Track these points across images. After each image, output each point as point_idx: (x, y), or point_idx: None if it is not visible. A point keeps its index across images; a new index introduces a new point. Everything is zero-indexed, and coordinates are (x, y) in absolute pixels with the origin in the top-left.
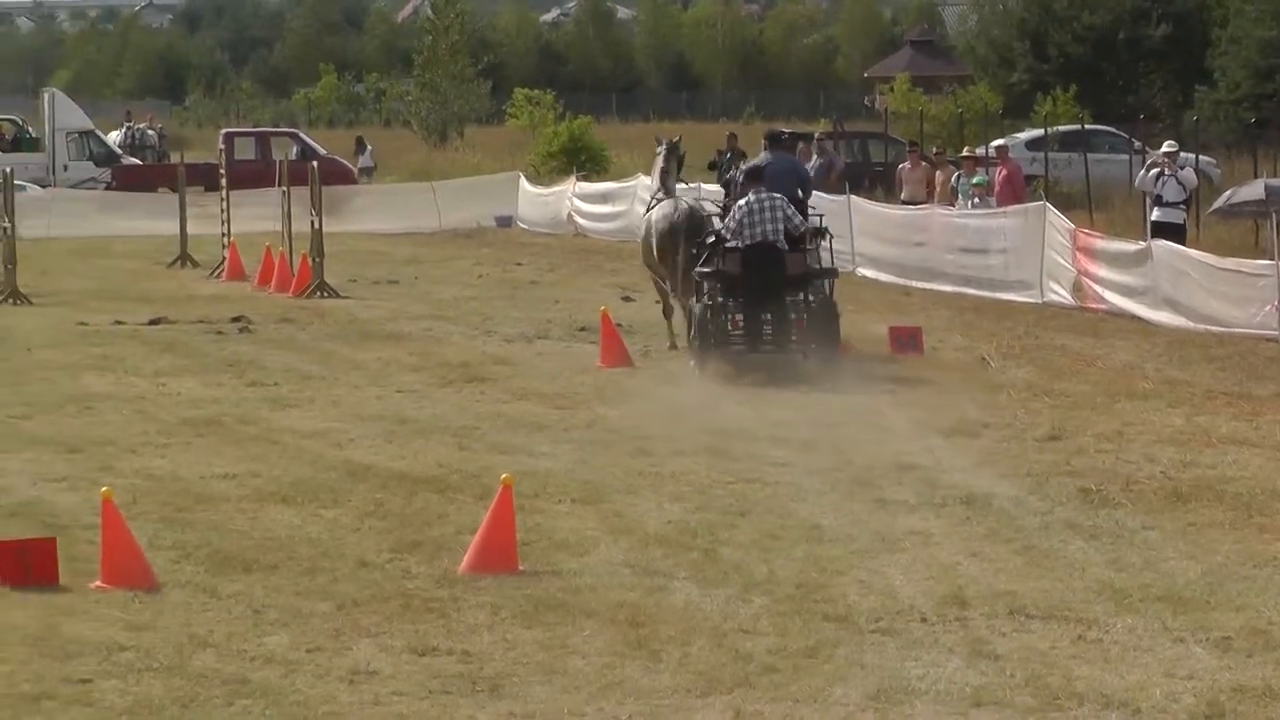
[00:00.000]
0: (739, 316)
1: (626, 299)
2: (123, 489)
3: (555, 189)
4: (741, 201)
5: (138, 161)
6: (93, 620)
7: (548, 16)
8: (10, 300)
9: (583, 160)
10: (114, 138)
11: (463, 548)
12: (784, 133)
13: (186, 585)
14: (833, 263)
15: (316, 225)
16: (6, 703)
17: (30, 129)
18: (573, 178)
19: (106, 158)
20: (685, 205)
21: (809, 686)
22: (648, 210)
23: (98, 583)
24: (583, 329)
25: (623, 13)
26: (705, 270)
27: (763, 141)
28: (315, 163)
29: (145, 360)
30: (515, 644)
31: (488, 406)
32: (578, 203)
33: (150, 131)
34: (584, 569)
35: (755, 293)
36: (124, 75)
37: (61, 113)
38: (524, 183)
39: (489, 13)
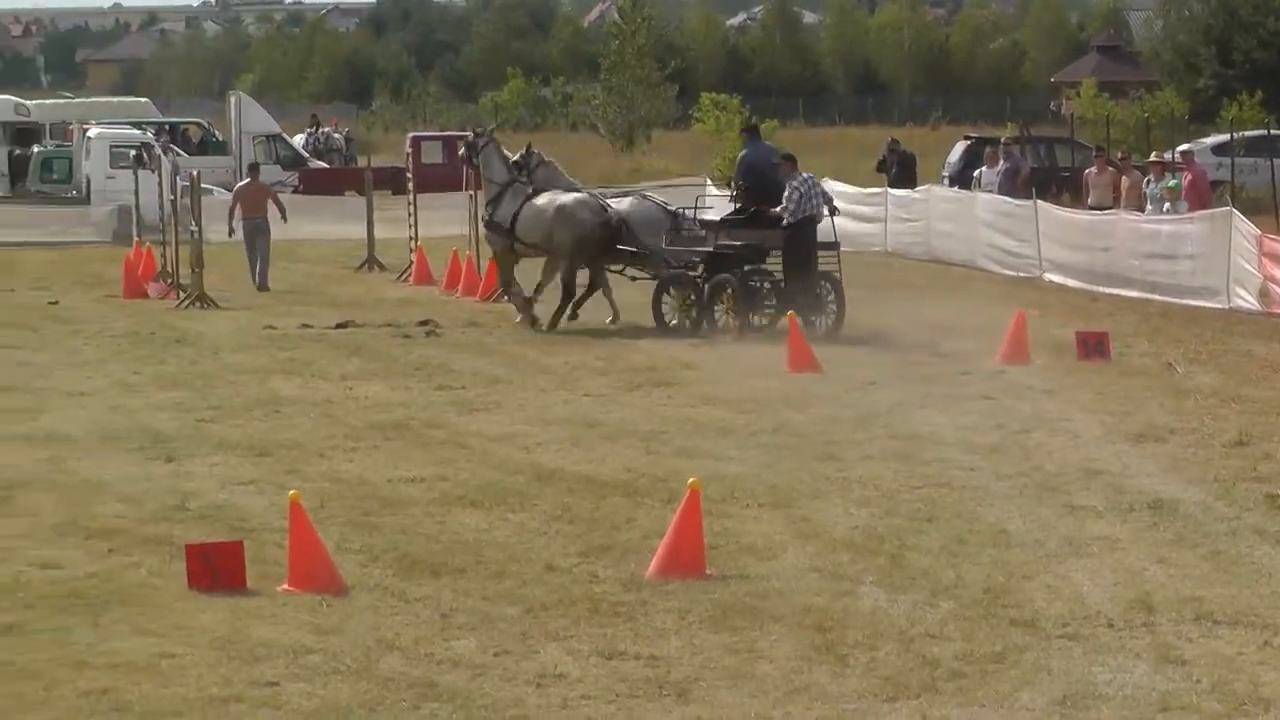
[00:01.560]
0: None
1: None
2: (310, 492)
3: None
4: (795, 182)
5: (324, 165)
6: (280, 623)
7: (734, 20)
8: (198, 304)
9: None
10: (299, 141)
11: (650, 552)
12: (758, 124)
13: (374, 589)
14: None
15: None
16: (195, 706)
17: (217, 132)
18: None
19: (293, 161)
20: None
21: (995, 692)
22: (519, 200)
23: (285, 586)
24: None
25: (809, 17)
26: (734, 244)
27: (742, 135)
28: None
29: (332, 364)
30: (702, 648)
31: (675, 410)
32: None
33: (336, 135)
34: (771, 573)
35: (800, 263)
36: (310, 79)
37: (248, 116)
38: (710, 187)
39: (676, 17)
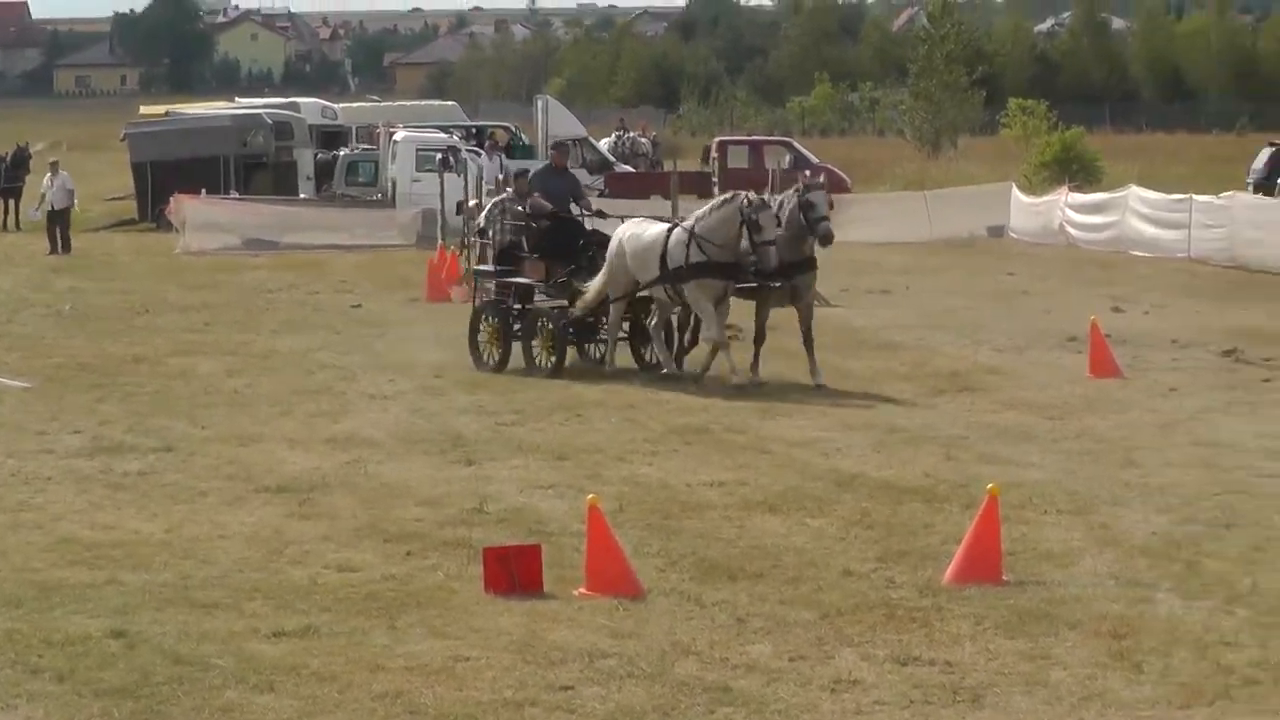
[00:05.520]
0: None
1: (1116, 309)
2: (609, 496)
3: (1047, 199)
4: None
5: (630, 169)
6: (577, 627)
7: (1042, 26)
8: None
9: (1075, 170)
10: (605, 145)
11: (948, 557)
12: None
13: (671, 593)
14: None
15: None
16: (490, 709)
17: (524, 135)
18: (1065, 188)
19: (600, 165)
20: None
21: None
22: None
23: (582, 590)
24: (1072, 339)
25: (1117, 23)
26: None
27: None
28: (808, 171)
29: (633, 367)
30: (997, 654)
31: (977, 416)
32: (1070, 213)
33: (643, 139)
34: (1068, 580)
35: None
36: (618, 83)
37: (555, 119)
38: (1016, 192)
39: (984, 22)
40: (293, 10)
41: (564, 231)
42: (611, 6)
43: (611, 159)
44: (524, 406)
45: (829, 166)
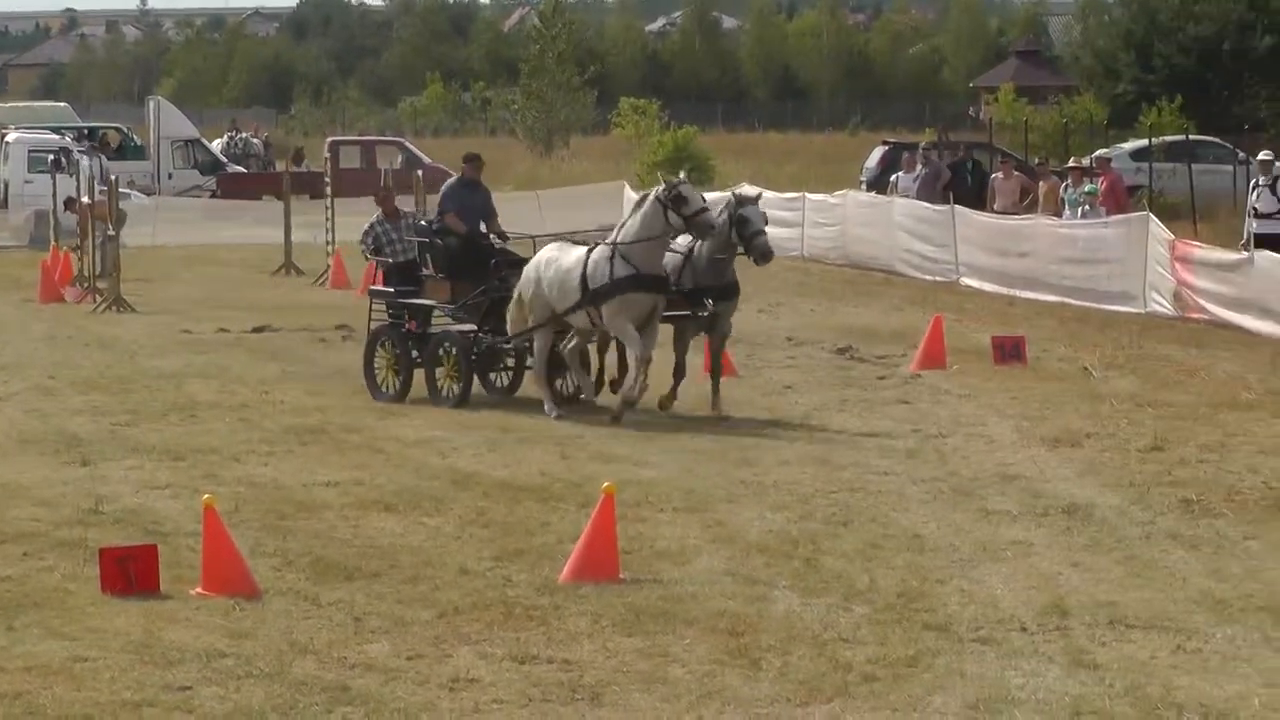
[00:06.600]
0: None
1: None
2: (225, 497)
3: None
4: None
5: (243, 170)
6: (194, 627)
7: (654, 26)
8: (115, 308)
9: (688, 169)
10: (217, 146)
11: (564, 556)
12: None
13: (288, 593)
14: None
15: None
16: (109, 710)
17: (136, 137)
18: None
19: (211, 166)
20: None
21: (908, 695)
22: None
23: (199, 590)
24: None
25: (728, 22)
26: None
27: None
28: (420, 171)
29: (249, 368)
30: (616, 652)
31: (591, 415)
32: None
33: (255, 140)
34: (685, 578)
35: None
36: (230, 84)
37: (167, 120)
38: (629, 192)
39: (595, 22)
40: None
41: (474, 250)
42: (224, 7)
43: (224, 159)
44: (138, 407)
45: (441, 166)
